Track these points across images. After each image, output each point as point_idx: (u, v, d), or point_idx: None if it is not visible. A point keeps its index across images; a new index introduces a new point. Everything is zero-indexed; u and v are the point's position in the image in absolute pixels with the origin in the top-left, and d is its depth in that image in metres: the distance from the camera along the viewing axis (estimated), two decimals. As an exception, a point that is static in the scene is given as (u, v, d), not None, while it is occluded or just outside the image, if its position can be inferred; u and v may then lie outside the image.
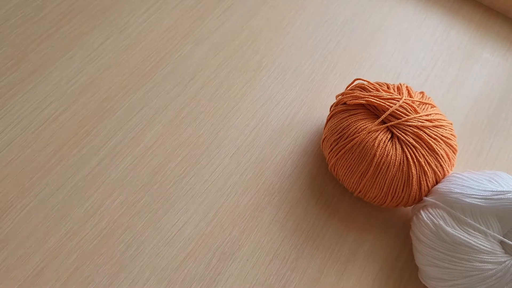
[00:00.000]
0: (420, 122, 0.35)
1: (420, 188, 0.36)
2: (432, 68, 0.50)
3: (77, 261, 0.38)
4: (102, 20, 0.50)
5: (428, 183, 0.36)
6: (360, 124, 0.36)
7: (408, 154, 0.35)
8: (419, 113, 0.36)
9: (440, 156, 0.36)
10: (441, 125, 0.36)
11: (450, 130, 0.37)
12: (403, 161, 0.35)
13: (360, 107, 0.37)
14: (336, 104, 0.39)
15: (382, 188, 0.36)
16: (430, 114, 0.36)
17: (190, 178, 0.42)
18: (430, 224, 0.35)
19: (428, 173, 0.35)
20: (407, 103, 0.36)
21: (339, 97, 0.40)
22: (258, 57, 0.49)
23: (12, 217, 0.39)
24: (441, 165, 0.36)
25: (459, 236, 0.33)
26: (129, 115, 0.44)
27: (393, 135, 0.36)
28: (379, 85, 0.39)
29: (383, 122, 0.36)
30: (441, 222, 0.34)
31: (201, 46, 0.49)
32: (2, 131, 0.43)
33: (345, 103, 0.38)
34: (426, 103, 0.38)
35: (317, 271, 0.39)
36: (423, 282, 0.37)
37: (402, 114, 0.36)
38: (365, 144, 0.35)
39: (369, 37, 0.51)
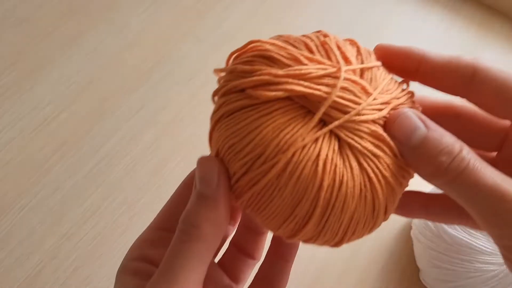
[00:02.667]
0: (377, 110, 0.22)
1: (386, 213, 0.23)
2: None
3: (76, 262, 0.38)
4: (100, 19, 0.49)
5: (396, 201, 0.23)
6: (286, 132, 0.21)
7: (371, 171, 0.21)
8: (371, 92, 0.22)
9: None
10: (400, 104, 0.23)
11: (412, 103, 0.24)
12: (365, 185, 0.21)
13: (274, 98, 0.22)
14: (225, 92, 0.23)
15: (335, 233, 0.22)
16: (386, 90, 0.23)
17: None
18: (431, 225, 0.35)
19: (397, 190, 0.22)
20: (351, 80, 0.22)
21: (228, 76, 0.24)
22: (258, 56, 0.49)
23: (11, 217, 0.39)
24: (408, 173, 0.23)
25: (460, 237, 0.33)
26: (128, 115, 0.44)
27: (341, 143, 0.21)
28: (293, 45, 0.23)
29: (321, 121, 0.21)
30: (443, 224, 0.34)
31: (201, 45, 0.49)
32: (1, 131, 0.42)
33: (243, 90, 0.22)
34: (371, 67, 0.23)
35: (318, 271, 0.39)
36: (425, 284, 0.37)
37: (349, 103, 0.21)
38: (302, 170, 0.21)
39: (369, 37, 0.51)
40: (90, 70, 0.46)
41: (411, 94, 0.24)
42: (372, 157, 0.21)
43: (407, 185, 0.23)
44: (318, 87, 0.21)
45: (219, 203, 0.21)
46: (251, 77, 0.22)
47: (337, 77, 0.21)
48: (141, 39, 0.49)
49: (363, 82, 0.22)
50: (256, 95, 0.21)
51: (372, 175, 0.21)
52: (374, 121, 0.21)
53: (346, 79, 0.21)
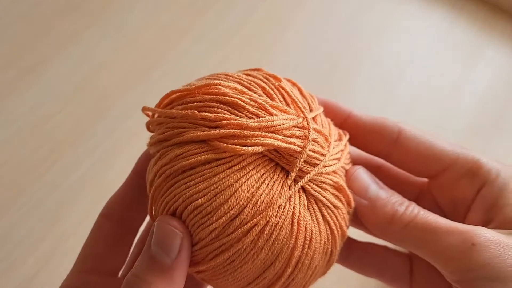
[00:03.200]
0: (336, 160, 0.21)
1: (331, 265, 0.23)
2: (436, 66, 0.49)
3: (72, 263, 0.37)
4: (98, 17, 0.49)
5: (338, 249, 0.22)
6: (261, 191, 0.19)
7: (332, 224, 0.21)
8: (330, 141, 0.21)
9: (352, 208, 0.23)
10: (347, 151, 0.23)
11: (347, 154, 0.23)
12: (328, 238, 0.21)
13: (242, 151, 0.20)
14: (181, 142, 0.20)
15: (302, 285, 0.22)
16: (340, 138, 0.23)
17: (189, 179, 0.41)
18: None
19: (346, 235, 0.22)
20: (316, 130, 0.21)
21: (180, 122, 0.21)
22: (258, 54, 0.48)
23: (8, 218, 0.38)
24: (350, 218, 0.23)
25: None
26: (125, 115, 0.44)
27: (307, 196, 0.20)
28: (250, 89, 0.21)
29: (285, 172, 0.20)
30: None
31: (200, 44, 0.48)
32: (-2, 131, 0.42)
33: (205, 142, 0.20)
34: (320, 113, 0.22)
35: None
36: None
37: (317, 155, 0.20)
38: (279, 232, 0.19)
39: (371, 35, 0.51)
40: (87, 70, 0.46)
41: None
42: (333, 208, 0.21)
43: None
44: (292, 140, 0.20)
45: (176, 274, 0.18)
46: (215, 127, 0.19)
47: (305, 128, 0.20)
48: (139, 38, 0.48)
49: (325, 131, 0.21)
50: (227, 149, 0.19)
51: (333, 227, 0.21)
52: (334, 172, 0.21)
53: (314, 129, 0.20)
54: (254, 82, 0.21)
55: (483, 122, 0.46)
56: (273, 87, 0.21)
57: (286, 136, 0.20)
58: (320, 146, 0.20)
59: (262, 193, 0.19)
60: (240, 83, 0.21)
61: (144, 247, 0.19)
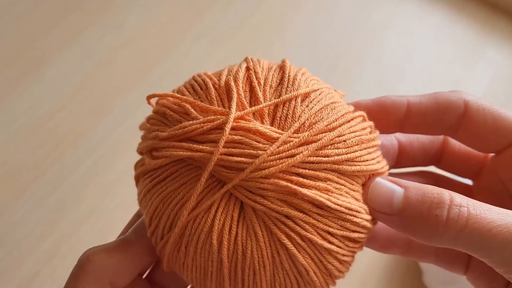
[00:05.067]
0: (289, 156, 0.18)
1: (330, 275, 0.20)
2: (436, 66, 0.49)
3: (74, 263, 0.37)
4: (99, 17, 0.49)
5: (340, 259, 0.19)
6: (174, 203, 0.18)
7: (283, 236, 0.18)
8: (278, 136, 0.18)
9: (345, 210, 0.18)
10: (337, 136, 0.18)
11: (357, 131, 0.19)
12: (278, 252, 0.18)
13: (169, 164, 0.19)
14: (139, 153, 0.22)
15: None
16: (308, 124, 0.18)
17: (189, 178, 0.41)
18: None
19: (335, 247, 0.18)
20: (244, 129, 0.18)
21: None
22: (258, 54, 0.48)
23: (8, 218, 0.38)
24: (352, 222, 0.18)
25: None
26: (126, 114, 0.44)
27: (244, 206, 0.18)
28: (196, 92, 0.20)
29: (217, 181, 0.18)
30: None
31: (200, 43, 0.48)
32: (-2, 130, 0.42)
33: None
34: (288, 100, 0.19)
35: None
36: (427, 285, 0.36)
37: (243, 159, 0.17)
38: (195, 245, 0.18)
39: (372, 34, 0.51)
40: (87, 69, 0.46)
41: (362, 116, 0.20)
42: (284, 219, 0.17)
43: (362, 235, 0.19)
44: (201, 147, 0.17)
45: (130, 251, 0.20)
46: (144, 140, 0.19)
47: (222, 129, 0.17)
48: (139, 37, 0.48)
49: (261, 128, 0.18)
50: (146, 162, 0.19)
51: (285, 240, 0.17)
52: (285, 173, 0.17)
53: (237, 128, 0.18)
54: (208, 82, 0.20)
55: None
56: (222, 85, 0.19)
57: (198, 142, 0.18)
58: (251, 147, 0.17)
59: (176, 205, 0.18)
60: (192, 87, 0.20)
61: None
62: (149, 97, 0.21)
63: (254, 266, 0.18)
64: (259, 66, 0.20)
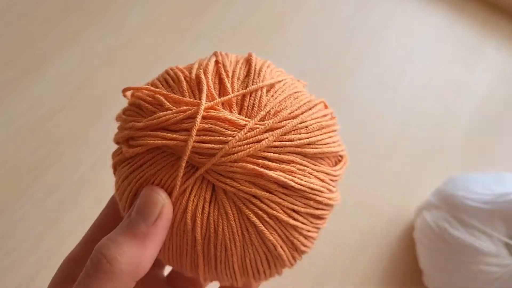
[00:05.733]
0: (255, 142, 0.19)
1: (295, 248, 0.21)
2: (436, 66, 0.49)
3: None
4: (98, 17, 0.49)
5: (304, 233, 0.21)
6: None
7: (252, 214, 0.19)
8: (245, 124, 0.19)
9: (308, 189, 0.20)
10: (300, 122, 0.20)
11: (318, 117, 0.21)
12: (247, 229, 0.20)
13: (144, 152, 0.21)
14: (116, 142, 0.23)
15: (232, 277, 0.21)
16: (273, 112, 0.20)
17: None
18: (434, 226, 0.34)
19: (299, 223, 0.20)
20: (214, 118, 0.19)
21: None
22: (258, 55, 0.48)
23: (8, 218, 0.38)
24: (316, 201, 0.20)
25: (464, 238, 0.32)
26: (126, 114, 0.44)
27: (215, 189, 0.20)
28: (169, 85, 0.22)
29: (190, 166, 0.20)
30: (446, 225, 0.33)
31: (199, 44, 0.48)
32: (-2, 130, 0.42)
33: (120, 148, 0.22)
34: (254, 91, 0.21)
35: (320, 274, 0.38)
36: (427, 285, 0.36)
37: (213, 145, 0.19)
38: (172, 226, 0.20)
39: (372, 34, 0.51)
40: (87, 69, 0.46)
41: (323, 103, 0.22)
42: (252, 199, 0.19)
43: (319, 213, 0.21)
44: (175, 135, 0.19)
45: (148, 241, 0.19)
46: (121, 130, 0.21)
47: (207, 118, 0.19)
48: (139, 38, 0.48)
49: (229, 116, 0.19)
50: (123, 151, 0.21)
51: (254, 218, 0.19)
52: (252, 157, 0.19)
53: (207, 117, 0.19)
54: (179, 75, 0.22)
55: (484, 121, 0.46)
56: (193, 77, 0.21)
57: (172, 131, 0.19)
58: (221, 134, 0.19)
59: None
60: (165, 80, 0.22)
61: (126, 214, 0.20)
62: (124, 90, 0.22)
63: (226, 243, 0.19)
64: (227, 60, 0.22)
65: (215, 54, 0.22)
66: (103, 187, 0.40)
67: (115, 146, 0.41)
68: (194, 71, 0.21)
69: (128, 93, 0.23)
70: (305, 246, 0.21)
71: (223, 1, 0.51)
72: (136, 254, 0.18)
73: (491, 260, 0.32)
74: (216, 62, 0.22)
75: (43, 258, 0.37)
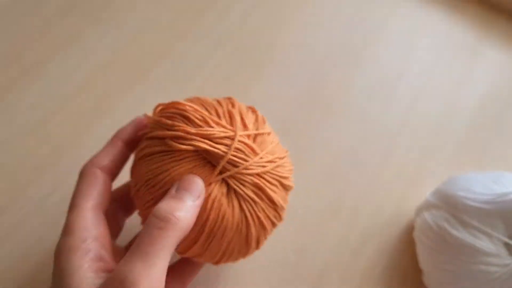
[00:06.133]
0: (262, 167, 0.28)
1: (258, 244, 0.30)
2: (435, 66, 0.49)
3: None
4: (99, 17, 0.49)
5: (266, 235, 0.30)
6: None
7: (247, 212, 0.28)
8: (258, 153, 0.28)
9: (279, 206, 0.29)
10: (279, 165, 0.30)
11: (288, 165, 0.31)
12: (242, 222, 0.28)
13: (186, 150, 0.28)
14: (150, 137, 0.30)
15: (214, 254, 0.29)
16: (270, 152, 0.29)
17: (189, 179, 0.41)
18: (434, 226, 0.34)
19: (268, 227, 0.29)
20: (243, 143, 0.28)
21: (152, 125, 0.30)
22: (258, 54, 0.48)
23: (8, 218, 0.39)
24: (279, 215, 0.30)
25: (463, 238, 0.32)
26: (127, 114, 0.44)
27: (229, 188, 0.28)
28: (206, 110, 0.30)
29: (213, 168, 0.28)
30: (445, 224, 0.33)
31: (200, 44, 0.49)
32: (-2, 131, 0.42)
33: (163, 139, 0.29)
34: (261, 134, 0.30)
35: (320, 273, 0.38)
36: (427, 285, 0.36)
37: (239, 160, 0.28)
38: None
39: (371, 36, 0.51)
40: (87, 70, 0.46)
41: (287, 153, 0.31)
42: (251, 201, 0.28)
43: (278, 222, 0.30)
44: (218, 146, 0.27)
45: (194, 215, 0.26)
46: (170, 130, 0.28)
47: (233, 139, 0.28)
48: (139, 38, 0.48)
49: (253, 145, 0.28)
50: (172, 145, 0.28)
51: (248, 215, 0.28)
52: (258, 175, 0.28)
53: (240, 141, 0.28)
54: (212, 104, 0.30)
55: (483, 121, 0.46)
56: (225, 110, 0.30)
57: (215, 143, 0.28)
58: (245, 154, 0.28)
59: None
60: (202, 105, 0.30)
61: (168, 194, 0.26)
62: (170, 105, 0.30)
63: (226, 227, 0.27)
64: (239, 104, 0.31)
65: (229, 98, 0.31)
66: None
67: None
68: (224, 106, 0.30)
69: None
70: (259, 246, 0.30)
71: (223, 2, 0.51)
72: (188, 217, 0.25)
73: (491, 260, 0.32)
74: (233, 105, 0.30)
75: (44, 258, 0.37)
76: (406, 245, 0.40)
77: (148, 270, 0.22)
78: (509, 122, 0.47)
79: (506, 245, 0.33)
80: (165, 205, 0.25)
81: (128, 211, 0.34)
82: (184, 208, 0.25)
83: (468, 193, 0.34)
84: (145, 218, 0.29)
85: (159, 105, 0.31)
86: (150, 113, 0.32)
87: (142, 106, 0.44)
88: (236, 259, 0.30)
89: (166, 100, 0.45)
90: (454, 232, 0.33)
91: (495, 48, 0.51)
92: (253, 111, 0.31)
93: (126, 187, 0.33)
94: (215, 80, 0.47)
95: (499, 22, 0.52)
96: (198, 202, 0.26)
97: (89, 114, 0.44)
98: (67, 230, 0.26)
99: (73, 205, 0.27)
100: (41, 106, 0.44)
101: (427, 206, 0.36)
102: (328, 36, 0.50)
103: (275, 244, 0.39)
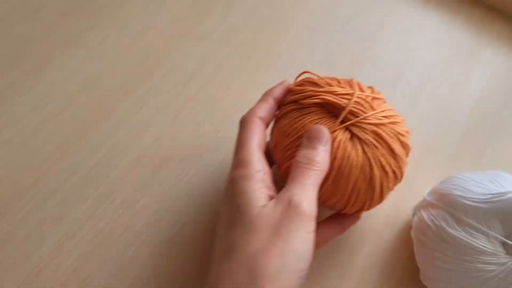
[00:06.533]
0: (378, 119, 0.33)
1: (381, 191, 0.33)
2: (433, 67, 0.49)
3: (76, 262, 0.38)
4: (100, 18, 0.49)
5: (389, 185, 0.33)
6: (316, 124, 0.33)
7: (370, 154, 0.32)
8: (375, 109, 0.33)
9: (398, 156, 0.33)
10: (396, 121, 0.34)
11: (403, 126, 0.35)
12: (365, 162, 0.32)
13: (313, 105, 0.34)
14: (284, 103, 0.36)
15: (344, 193, 0.33)
16: (385, 110, 0.34)
17: (190, 178, 0.41)
18: (432, 225, 0.34)
19: (389, 174, 0.33)
20: (362, 99, 0.33)
21: (287, 95, 0.37)
22: (258, 56, 0.49)
23: (10, 217, 0.39)
24: (399, 166, 0.34)
25: (461, 237, 0.33)
26: (128, 115, 0.44)
27: (352, 135, 0.33)
28: (329, 79, 0.36)
29: (342, 121, 0.33)
30: (443, 223, 0.34)
31: (201, 45, 0.49)
32: (0, 131, 0.42)
33: (296, 101, 0.35)
34: (378, 98, 0.35)
35: (318, 271, 0.38)
36: (425, 283, 0.37)
37: (359, 112, 0.33)
38: None
39: (370, 36, 0.51)
40: (89, 70, 0.46)
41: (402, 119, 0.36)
42: (372, 146, 0.32)
43: (399, 177, 0.34)
44: (341, 100, 0.33)
45: (326, 159, 0.31)
46: (300, 93, 0.35)
47: (352, 96, 0.34)
48: (141, 39, 0.49)
49: (371, 101, 0.34)
50: (302, 102, 0.34)
51: (370, 156, 0.32)
52: (376, 125, 0.33)
53: (359, 97, 0.34)
54: (334, 78, 0.36)
55: (481, 122, 0.47)
56: (346, 80, 0.36)
57: (338, 97, 0.33)
58: (364, 107, 0.33)
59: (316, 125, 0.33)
60: (326, 77, 0.36)
61: (303, 144, 0.32)
62: (300, 75, 0.38)
63: (351, 165, 0.32)
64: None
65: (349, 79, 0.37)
66: (105, 186, 0.41)
67: (117, 147, 0.42)
68: (344, 79, 0.36)
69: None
70: (389, 188, 0.34)
71: (224, 3, 0.51)
72: (323, 160, 0.31)
73: (488, 258, 0.32)
74: (352, 80, 0.36)
75: (45, 258, 0.37)
76: (404, 243, 0.40)
77: (306, 194, 0.29)
78: (506, 122, 0.47)
79: (503, 244, 0.33)
80: (304, 153, 0.31)
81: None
82: (318, 154, 0.31)
83: (465, 192, 0.34)
84: (281, 164, 0.34)
85: (301, 75, 0.38)
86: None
87: (144, 107, 0.45)
88: (363, 203, 0.34)
89: (167, 101, 0.45)
90: (452, 231, 0.33)
91: (493, 48, 0.51)
92: (370, 87, 0.37)
93: (265, 146, 0.37)
94: (215, 80, 0.47)
95: (496, 23, 0.53)
96: (327, 147, 0.31)
97: (90, 115, 0.44)
98: (240, 163, 0.31)
99: (242, 145, 0.32)
100: (44, 107, 0.44)
101: (424, 205, 0.37)
102: (327, 38, 0.50)
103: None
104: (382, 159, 0.32)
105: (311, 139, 0.31)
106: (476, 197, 0.34)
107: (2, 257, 0.37)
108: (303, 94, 0.34)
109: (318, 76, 0.36)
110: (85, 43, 0.48)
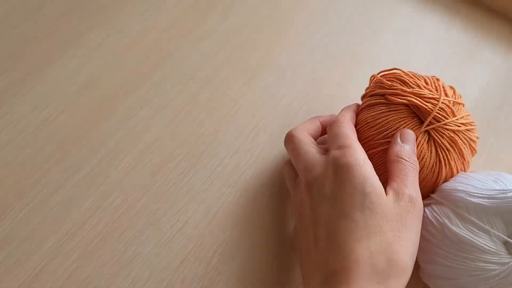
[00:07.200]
0: (457, 126, 0.36)
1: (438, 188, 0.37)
2: (433, 68, 0.50)
3: (76, 262, 0.37)
4: (101, 19, 0.49)
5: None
6: (402, 124, 0.36)
7: (441, 157, 0.36)
8: (456, 115, 0.36)
9: (466, 161, 0.37)
10: (471, 128, 0.37)
11: (475, 132, 0.38)
12: (436, 164, 0.36)
13: (400, 103, 0.37)
14: (371, 94, 0.38)
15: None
16: (463, 117, 0.37)
17: (190, 178, 0.41)
18: (435, 222, 0.34)
19: (454, 174, 0.37)
20: (446, 104, 0.36)
21: (374, 86, 0.39)
22: (258, 56, 0.49)
23: (11, 217, 0.39)
24: (463, 168, 0.37)
25: (463, 235, 0.33)
26: (128, 115, 0.44)
27: (430, 137, 0.36)
28: (417, 78, 0.38)
29: (419, 120, 0.36)
30: (446, 220, 0.34)
31: (201, 45, 0.49)
32: (1, 132, 0.42)
33: (383, 95, 0.37)
34: (459, 103, 0.38)
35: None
36: (424, 280, 0.37)
37: (441, 117, 0.36)
38: None
39: (370, 36, 0.51)
40: (90, 71, 0.46)
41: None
42: (445, 150, 0.36)
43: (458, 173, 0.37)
44: (427, 104, 0.36)
45: (415, 153, 0.36)
46: (390, 89, 0.37)
47: (438, 101, 0.36)
48: (141, 39, 0.49)
49: (453, 108, 0.36)
50: (390, 99, 0.37)
51: (442, 159, 0.36)
52: (453, 131, 0.36)
53: (443, 103, 0.36)
54: (422, 76, 0.38)
55: (479, 122, 0.47)
56: (432, 81, 0.38)
57: (424, 100, 0.36)
58: (446, 113, 0.36)
59: (400, 126, 0.36)
60: (414, 75, 0.38)
61: (397, 143, 0.35)
62: (381, 72, 0.40)
63: (424, 165, 0.36)
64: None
65: (434, 76, 0.39)
66: (106, 186, 0.41)
67: (119, 147, 0.42)
68: (430, 79, 0.38)
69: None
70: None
71: (224, 3, 0.52)
72: (415, 159, 0.35)
73: (490, 257, 0.32)
74: (438, 80, 0.39)
75: (46, 258, 0.37)
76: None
77: (419, 193, 0.33)
78: (505, 123, 0.47)
79: (506, 243, 0.33)
80: (408, 152, 0.34)
81: None
82: (412, 154, 0.34)
83: (468, 190, 0.34)
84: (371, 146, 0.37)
85: (380, 72, 0.40)
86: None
87: (144, 107, 0.45)
88: (423, 198, 0.36)
89: (167, 101, 0.45)
90: (454, 228, 0.33)
91: (492, 49, 0.51)
92: (452, 88, 0.39)
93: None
94: (216, 80, 0.47)
95: (494, 24, 0.53)
96: (415, 149, 0.35)
97: (90, 115, 0.44)
98: (345, 149, 0.33)
99: (339, 132, 0.35)
100: (45, 107, 0.44)
101: (428, 201, 0.37)
102: (327, 38, 0.50)
103: (278, 239, 0.39)
104: (452, 162, 0.36)
105: (404, 140, 0.35)
106: (480, 194, 0.34)
107: (2, 257, 0.37)
108: (392, 90, 0.37)
109: (406, 73, 0.38)
110: (85, 43, 0.48)
